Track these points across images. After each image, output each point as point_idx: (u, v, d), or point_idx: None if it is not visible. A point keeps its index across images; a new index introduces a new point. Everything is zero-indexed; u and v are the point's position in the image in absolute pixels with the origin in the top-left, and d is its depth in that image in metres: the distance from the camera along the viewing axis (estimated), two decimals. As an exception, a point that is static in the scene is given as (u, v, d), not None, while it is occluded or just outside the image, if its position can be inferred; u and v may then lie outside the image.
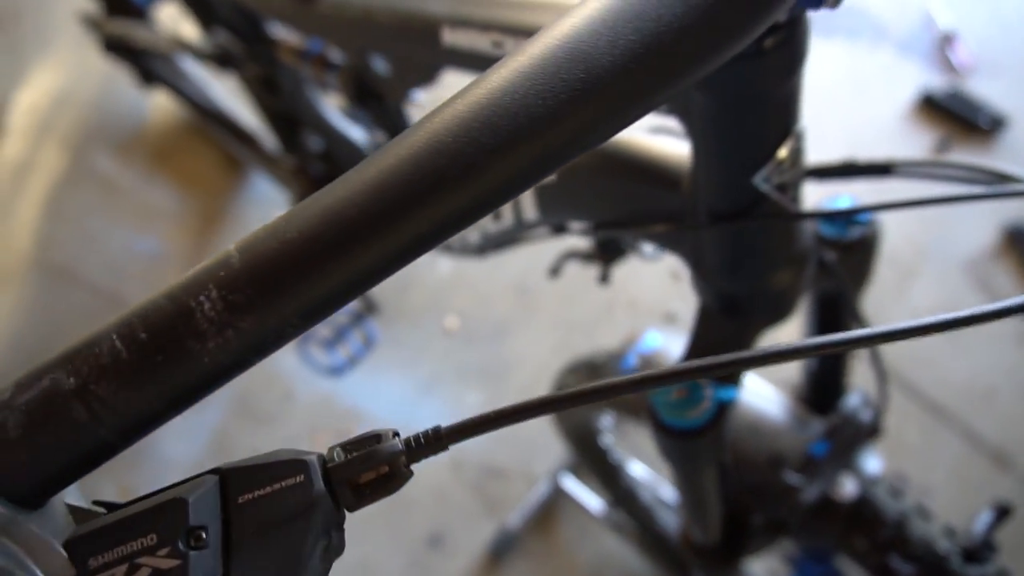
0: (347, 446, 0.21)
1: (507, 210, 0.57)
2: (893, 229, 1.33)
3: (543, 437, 1.22)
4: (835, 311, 0.61)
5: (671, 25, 0.20)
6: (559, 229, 0.59)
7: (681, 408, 0.46)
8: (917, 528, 0.59)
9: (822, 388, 0.67)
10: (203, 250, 1.52)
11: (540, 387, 1.29)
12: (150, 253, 1.52)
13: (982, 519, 0.57)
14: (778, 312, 0.48)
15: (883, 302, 1.33)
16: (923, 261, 1.38)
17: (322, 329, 1.15)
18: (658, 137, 0.47)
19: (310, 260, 0.19)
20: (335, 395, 1.33)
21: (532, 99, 0.19)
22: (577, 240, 0.90)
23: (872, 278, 0.57)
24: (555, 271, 0.80)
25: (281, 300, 0.19)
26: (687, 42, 0.20)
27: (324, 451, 0.21)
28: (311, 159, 1.08)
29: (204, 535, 0.18)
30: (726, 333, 0.48)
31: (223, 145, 1.50)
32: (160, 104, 1.63)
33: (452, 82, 0.48)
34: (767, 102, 0.36)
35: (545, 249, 0.85)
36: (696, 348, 0.49)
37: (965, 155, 1.47)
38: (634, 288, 1.39)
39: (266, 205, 1.55)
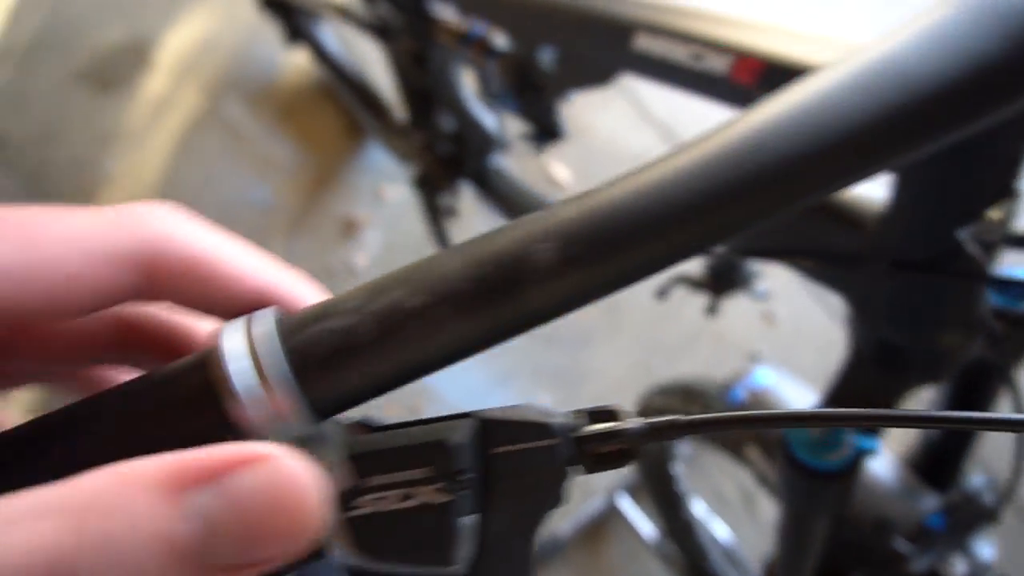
0: (590, 415, 0.21)
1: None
2: None
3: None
4: (977, 380, 0.58)
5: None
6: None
7: (819, 449, 0.45)
8: (1025, 624, 0.56)
9: (940, 461, 0.65)
10: (310, 209, 1.57)
11: (610, 401, 1.29)
12: (261, 203, 1.58)
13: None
14: (935, 373, 0.46)
15: None
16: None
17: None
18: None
19: (642, 228, 0.19)
20: (410, 371, 1.35)
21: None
22: (689, 266, 0.89)
23: (1030, 356, 0.54)
24: (663, 293, 0.79)
25: (611, 260, 0.19)
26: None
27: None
28: (440, 138, 1.10)
29: (468, 477, 0.19)
30: (876, 383, 0.47)
31: (349, 110, 1.55)
32: (293, 61, 1.69)
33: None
34: (995, 154, 0.35)
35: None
36: (840, 393, 0.48)
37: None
38: (723, 322, 1.36)
39: (376, 175, 1.59)
